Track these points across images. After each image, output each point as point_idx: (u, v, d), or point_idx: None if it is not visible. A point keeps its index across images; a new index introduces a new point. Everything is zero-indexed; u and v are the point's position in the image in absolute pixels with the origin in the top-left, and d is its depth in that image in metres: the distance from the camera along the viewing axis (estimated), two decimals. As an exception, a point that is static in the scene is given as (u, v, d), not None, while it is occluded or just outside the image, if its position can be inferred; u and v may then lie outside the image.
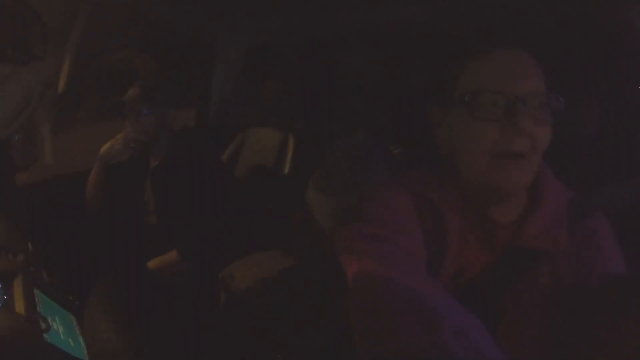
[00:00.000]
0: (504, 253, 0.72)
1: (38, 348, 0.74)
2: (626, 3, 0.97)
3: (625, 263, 0.71)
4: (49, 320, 0.79)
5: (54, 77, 1.28)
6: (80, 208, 1.59)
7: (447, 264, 0.71)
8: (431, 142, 0.76)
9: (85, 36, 1.23)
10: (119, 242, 1.52)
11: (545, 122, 0.67)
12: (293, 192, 1.50)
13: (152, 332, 1.15)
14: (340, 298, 0.99)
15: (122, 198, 1.61)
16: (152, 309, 1.28)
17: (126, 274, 1.36)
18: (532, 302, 0.69)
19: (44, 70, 1.28)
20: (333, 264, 1.13)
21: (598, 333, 0.59)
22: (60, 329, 0.85)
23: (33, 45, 0.99)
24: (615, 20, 1.00)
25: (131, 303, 1.27)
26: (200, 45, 2.04)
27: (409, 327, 0.52)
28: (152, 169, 1.60)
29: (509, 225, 0.73)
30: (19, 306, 0.78)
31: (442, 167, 0.76)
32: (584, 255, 0.69)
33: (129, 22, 1.52)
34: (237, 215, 1.58)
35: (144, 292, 1.33)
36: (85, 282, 1.20)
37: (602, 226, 0.73)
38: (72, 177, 1.85)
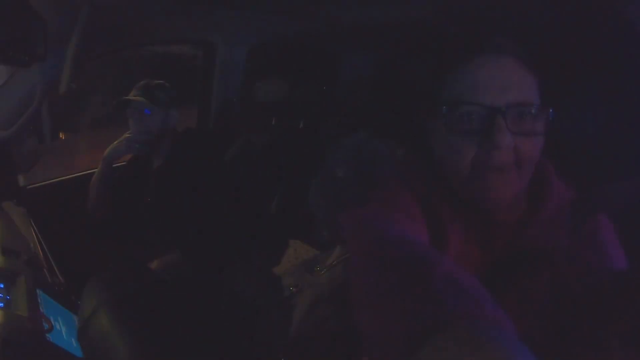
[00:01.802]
0: (505, 253, 0.72)
1: (41, 348, 0.74)
2: (626, 3, 0.97)
3: (627, 262, 0.71)
4: (52, 321, 0.79)
5: (56, 78, 1.29)
6: (84, 208, 1.59)
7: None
8: (426, 146, 0.76)
9: (87, 37, 1.23)
10: (121, 241, 1.53)
11: (531, 133, 0.63)
12: (295, 192, 1.50)
13: (151, 331, 1.15)
14: (343, 298, 1.00)
15: (126, 198, 1.61)
16: (151, 308, 1.29)
17: (127, 272, 1.36)
18: (533, 302, 0.69)
19: (45, 71, 1.29)
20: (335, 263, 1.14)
21: (599, 332, 0.59)
22: (63, 329, 0.85)
23: (34, 46, 0.99)
24: (615, 20, 1.00)
25: (130, 302, 1.28)
26: (202, 45, 2.04)
27: (404, 274, 0.50)
28: (155, 168, 1.61)
29: (510, 224, 0.73)
30: (22, 306, 0.78)
31: (436, 169, 0.76)
32: (585, 255, 0.69)
33: (129, 22, 1.52)
34: (238, 215, 1.58)
35: (144, 292, 1.33)
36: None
37: (603, 226, 0.73)
38: (75, 178, 1.86)
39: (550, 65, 0.70)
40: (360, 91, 2.11)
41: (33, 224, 1.26)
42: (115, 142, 1.57)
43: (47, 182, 1.78)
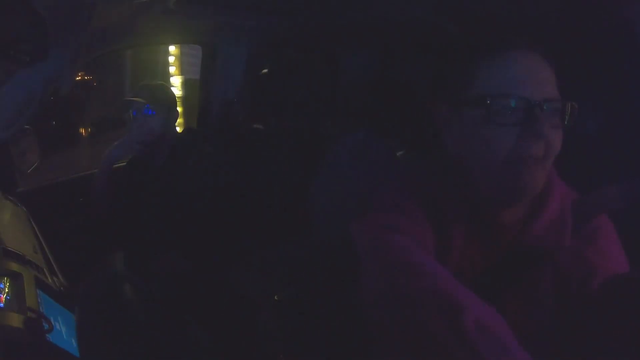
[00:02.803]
0: (507, 253, 0.72)
1: (41, 349, 0.74)
2: (626, 3, 0.97)
3: (628, 263, 0.71)
4: (52, 321, 0.79)
5: (56, 78, 1.28)
6: (84, 209, 1.60)
7: (450, 262, 0.71)
8: (436, 144, 0.76)
9: (87, 36, 1.23)
10: (122, 241, 1.53)
11: (558, 127, 0.67)
12: (296, 191, 1.50)
13: (151, 331, 1.15)
14: (344, 296, 1.00)
15: (127, 198, 1.61)
16: (151, 307, 1.28)
17: (129, 272, 1.36)
18: (535, 302, 0.69)
19: (45, 71, 1.29)
20: (335, 262, 1.14)
21: (601, 333, 0.59)
22: (63, 330, 0.85)
23: (34, 46, 0.99)
24: (615, 20, 1.00)
25: (131, 302, 1.28)
26: (202, 45, 2.04)
27: (432, 318, 0.52)
28: (156, 168, 1.61)
29: (513, 225, 0.73)
30: (22, 307, 0.78)
31: (447, 167, 0.75)
32: (587, 255, 0.69)
33: (130, 21, 1.52)
34: (239, 214, 1.58)
35: (143, 291, 1.33)
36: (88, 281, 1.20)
37: (605, 227, 0.73)
38: (76, 178, 1.86)
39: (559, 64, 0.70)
40: (360, 91, 2.11)
41: (33, 224, 1.26)
42: (115, 143, 1.57)
43: (48, 182, 1.77)
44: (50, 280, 1.02)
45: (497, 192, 0.69)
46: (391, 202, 0.73)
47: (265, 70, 1.90)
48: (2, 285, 0.80)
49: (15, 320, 0.73)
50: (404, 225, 0.68)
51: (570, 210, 0.72)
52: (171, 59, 4.48)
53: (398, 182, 0.78)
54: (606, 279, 0.65)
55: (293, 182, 1.60)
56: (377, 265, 0.66)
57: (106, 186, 1.57)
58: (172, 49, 4.35)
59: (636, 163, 0.99)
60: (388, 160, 1.14)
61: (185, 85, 4.65)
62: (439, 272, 0.61)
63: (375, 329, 0.66)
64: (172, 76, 4.52)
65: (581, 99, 0.68)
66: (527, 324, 0.67)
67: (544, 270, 0.70)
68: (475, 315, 0.51)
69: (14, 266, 0.88)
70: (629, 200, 0.72)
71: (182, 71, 4.61)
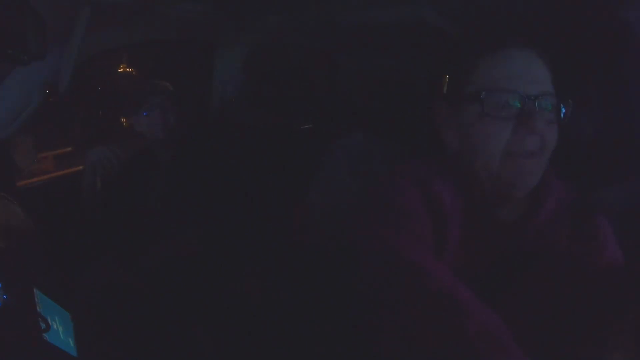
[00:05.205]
0: (505, 251, 0.72)
1: (38, 348, 0.74)
2: (626, 3, 0.97)
3: (625, 264, 0.71)
4: (49, 320, 0.79)
5: (55, 78, 1.28)
6: (81, 206, 1.59)
7: (449, 261, 0.71)
8: (436, 141, 0.76)
9: (86, 36, 1.23)
10: (121, 239, 1.52)
11: (553, 122, 0.68)
12: (295, 191, 1.50)
13: (151, 330, 1.15)
14: (342, 296, 1.00)
15: (127, 194, 1.62)
16: (151, 307, 1.28)
17: (128, 269, 1.37)
18: (532, 301, 0.69)
19: (44, 71, 1.28)
20: (333, 262, 1.13)
21: (598, 331, 0.59)
22: (60, 329, 0.85)
23: (33, 45, 0.99)
24: (615, 21, 1.00)
25: (130, 301, 1.28)
26: (201, 45, 2.04)
27: (434, 322, 0.52)
28: (158, 165, 1.62)
29: (510, 223, 0.73)
30: (19, 306, 0.78)
31: (447, 164, 0.75)
32: (584, 255, 0.69)
33: (129, 21, 1.52)
34: (240, 214, 1.59)
35: (143, 290, 1.33)
36: (87, 281, 1.20)
37: (603, 227, 0.73)
38: (74, 176, 1.86)
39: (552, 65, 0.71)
40: (360, 91, 2.11)
41: (31, 223, 1.25)
42: (116, 139, 1.57)
43: (46, 181, 1.77)
44: (47, 279, 1.02)
45: (494, 186, 0.70)
46: (393, 202, 0.72)
47: (264, 70, 1.90)
48: (-1, 285, 0.80)
49: (13, 319, 0.73)
50: (406, 224, 0.68)
51: (567, 210, 0.72)
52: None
53: (399, 181, 0.78)
54: (603, 279, 0.65)
55: (291, 182, 1.60)
56: (379, 266, 0.65)
57: (94, 186, 1.58)
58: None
59: (636, 163, 0.99)
60: (386, 160, 1.14)
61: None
62: (442, 275, 0.61)
63: (374, 331, 0.66)
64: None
65: (581, 99, 0.68)
66: (525, 323, 0.67)
67: (541, 269, 0.70)
68: (477, 320, 0.51)
69: (11, 265, 0.88)
70: (625, 201, 0.72)
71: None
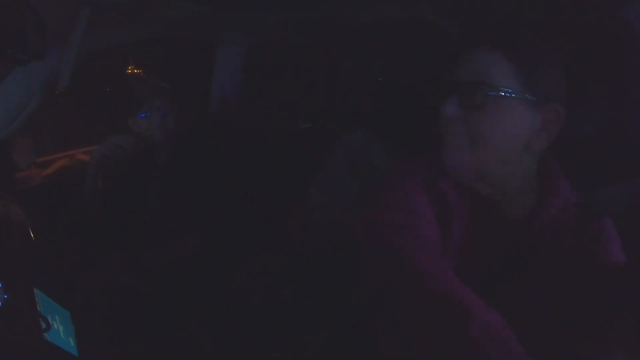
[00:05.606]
0: (510, 250, 0.72)
1: (38, 348, 0.73)
2: (626, 3, 0.97)
3: (628, 263, 0.71)
4: (49, 320, 0.78)
5: (54, 77, 1.28)
6: (82, 206, 1.59)
7: (454, 259, 0.71)
8: (437, 140, 0.76)
9: (86, 36, 1.23)
10: (120, 239, 1.53)
11: (482, 109, 0.69)
12: (294, 190, 1.50)
13: (152, 330, 1.15)
14: (342, 296, 1.00)
15: (127, 194, 1.62)
16: (152, 306, 1.28)
17: (128, 269, 1.37)
18: (536, 300, 0.69)
19: (44, 71, 1.28)
20: (333, 262, 1.14)
21: (601, 329, 0.59)
22: (61, 328, 0.85)
23: (33, 45, 0.99)
24: (615, 21, 1.00)
25: (131, 300, 1.28)
26: (200, 44, 2.04)
27: (437, 323, 0.52)
28: (157, 166, 1.62)
29: (516, 222, 0.73)
30: (19, 306, 0.78)
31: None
32: (589, 255, 0.69)
33: (129, 21, 1.52)
34: (240, 214, 1.59)
35: (144, 290, 1.33)
36: (87, 280, 1.20)
37: (607, 227, 0.73)
38: (74, 177, 1.86)
39: (551, 64, 0.70)
40: (360, 91, 2.11)
41: (30, 222, 1.25)
42: (115, 139, 1.57)
43: (45, 181, 1.77)
44: (48, 279, 1.02)
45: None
46: (398, 201, 0.71)
47: (264, 70, 1.90)
48: (-1, 284, 0.80)
49: (13, 319, 0.73)
50: (412, 225, 0.67)
51: (573, 210, 0.72)
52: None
53: (404, 181, 0.77)
54: (607, 278, 0.65)
55: (291, 181, 1.61)
56: (382, 266, 0.64)
57: (97, 185, 1.57)
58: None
59: (636, 163, 0.99)
60: (386, 160, 1.14)
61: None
62: (446, 276, 0.60)
63: (376, 331, 0.66)
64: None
65: (582, 100, 0.68)
66: (530, 321, 0.67)
67: (546, 268, 0.70)
68: (481, 321, 0.51)
69: (11, 265, 0.88)
70: (629, 202, 0.72)
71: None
